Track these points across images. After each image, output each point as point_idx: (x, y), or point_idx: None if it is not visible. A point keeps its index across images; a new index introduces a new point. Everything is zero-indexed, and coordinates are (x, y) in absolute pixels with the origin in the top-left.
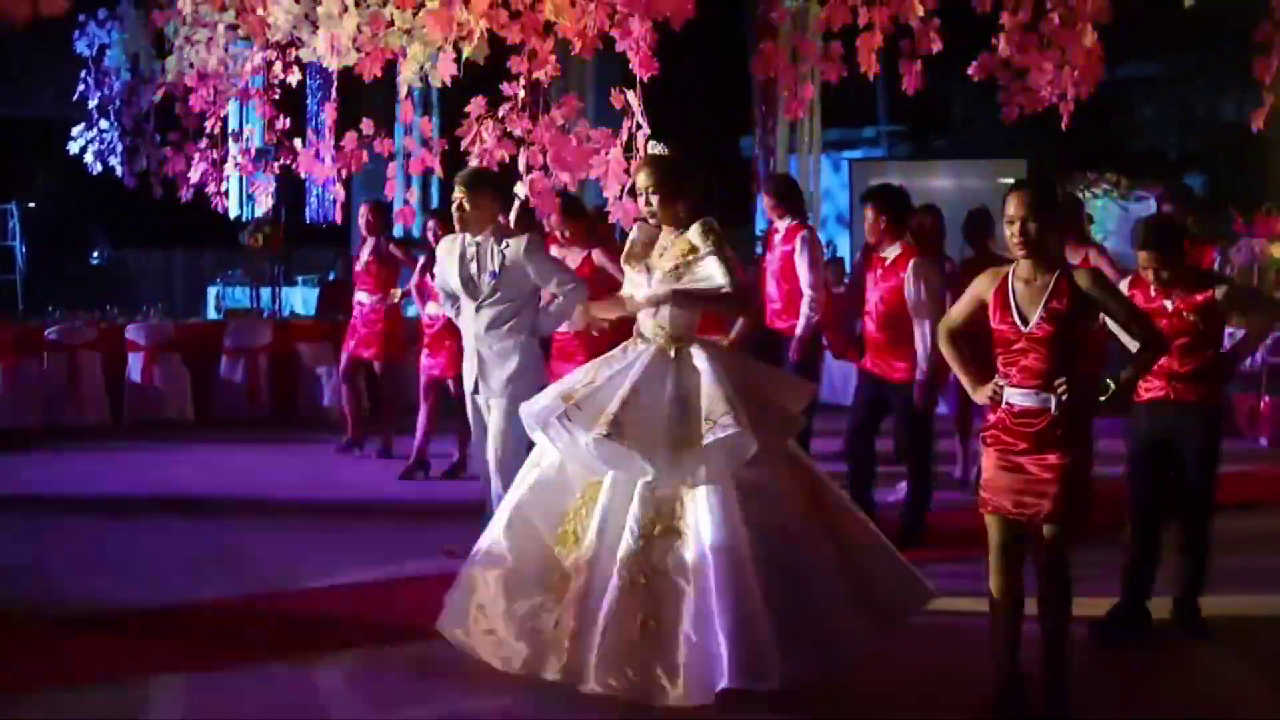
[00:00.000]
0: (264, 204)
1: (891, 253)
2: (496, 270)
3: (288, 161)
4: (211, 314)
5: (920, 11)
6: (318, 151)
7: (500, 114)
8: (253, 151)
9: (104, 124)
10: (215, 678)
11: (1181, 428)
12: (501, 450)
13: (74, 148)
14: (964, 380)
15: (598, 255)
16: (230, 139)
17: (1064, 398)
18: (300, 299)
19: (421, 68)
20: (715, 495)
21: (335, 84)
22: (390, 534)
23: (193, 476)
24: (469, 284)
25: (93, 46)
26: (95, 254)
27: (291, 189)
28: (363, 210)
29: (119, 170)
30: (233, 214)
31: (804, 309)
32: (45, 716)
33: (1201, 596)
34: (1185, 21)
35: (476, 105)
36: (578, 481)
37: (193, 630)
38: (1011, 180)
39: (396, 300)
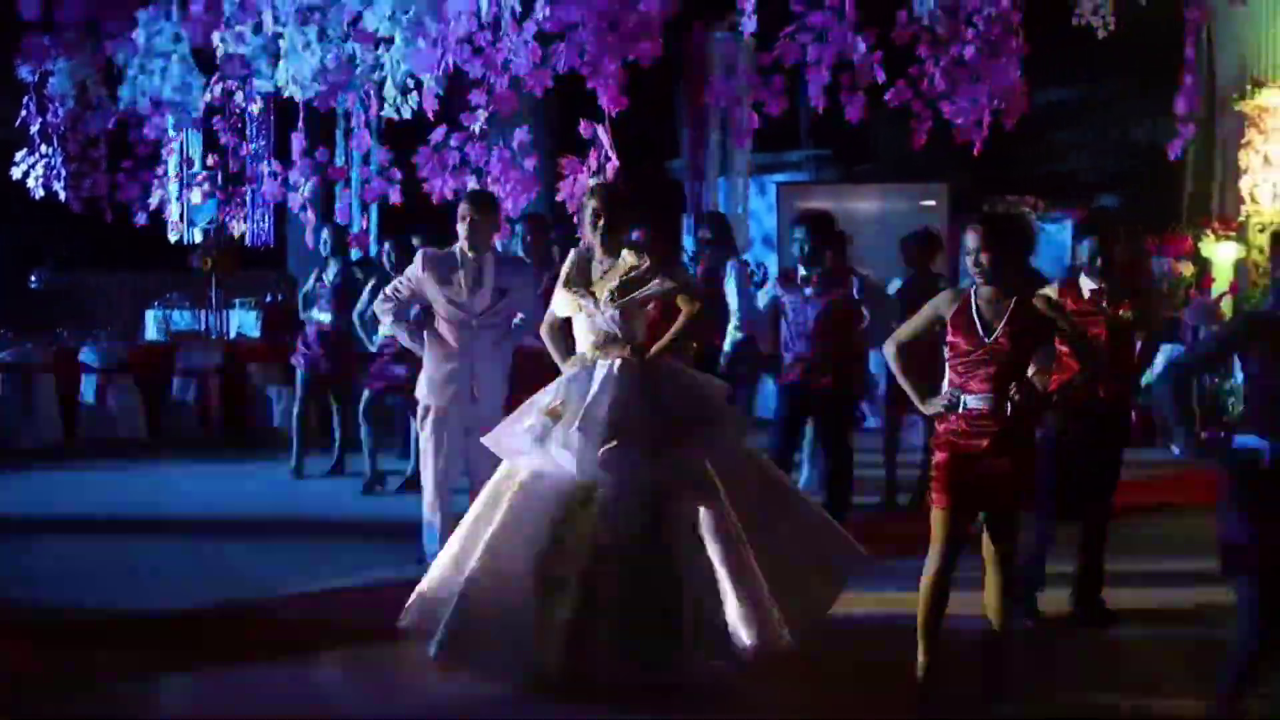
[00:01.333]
0: (236, 229)
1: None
2: (502, 289)
3: (253, 187)
4: (150, 335)
5: (862, 49)
6: (286, 178)
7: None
8: (215, 178)
9: (45, 149)
10: (216, 678)
11: (1093, 430)
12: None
13: (16, 173)
14: (911, 392)
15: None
16: (183, 165)
17: (1017, 400)
18: (237, 321)
19: (394, 100)
20: (690, 489)
21: (303, 114)
22: (358, 545)
23: (154, 494)
24: (466, 299)
25: (35, 73)
26: (34, 277)
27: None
28: (325, 234)
29: (63, 195)
30: (172, 238)
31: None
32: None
33: (1108, 590)
34: (1097, 49)
35: (437, 134)
36: (553, 492)
37: (184, 635)
38: (933, 203)
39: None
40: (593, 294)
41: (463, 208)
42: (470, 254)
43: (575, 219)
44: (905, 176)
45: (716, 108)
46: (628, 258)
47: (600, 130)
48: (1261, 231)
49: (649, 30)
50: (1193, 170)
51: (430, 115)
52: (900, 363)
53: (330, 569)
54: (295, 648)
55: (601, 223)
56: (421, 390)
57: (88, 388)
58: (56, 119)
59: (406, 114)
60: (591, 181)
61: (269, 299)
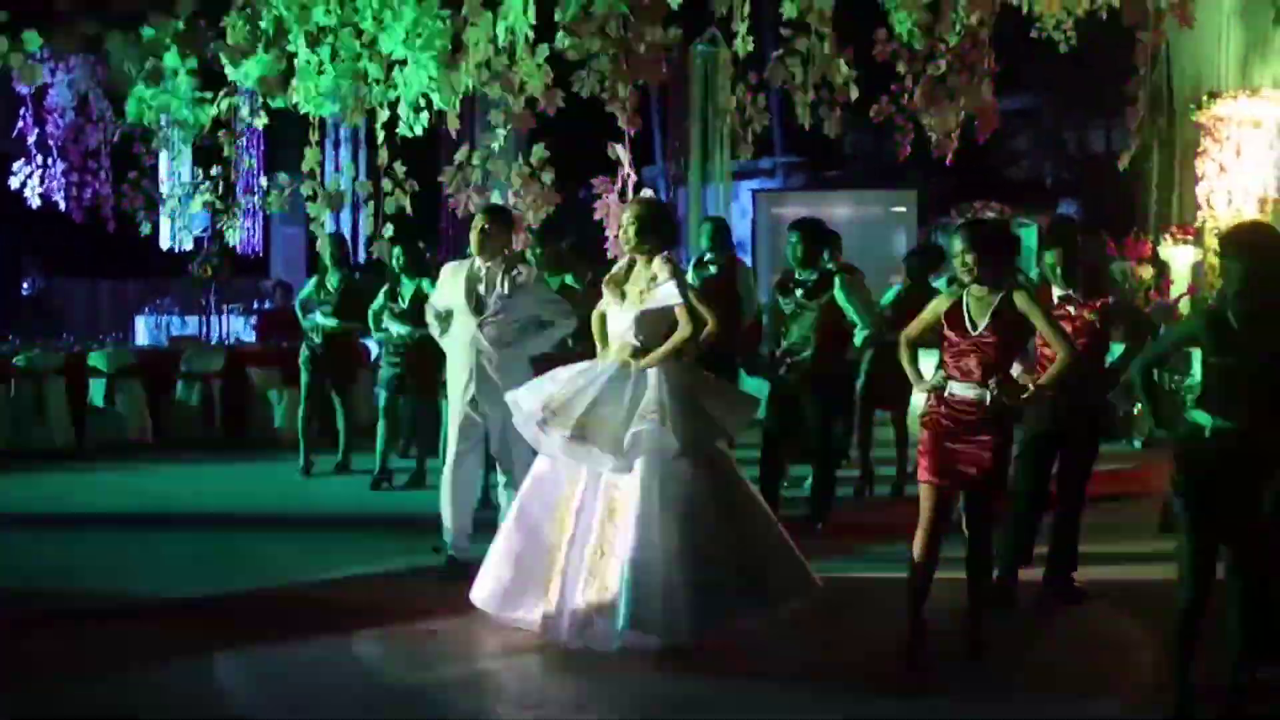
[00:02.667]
0: (231, 238)
1: (809, 276)
2: (506, 293)
3: (253, 198)
4: (141, 341)
5: (845, 71)
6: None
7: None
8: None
9: (39, 159)
10: (265, 656)
11: (1073, 423)
12: (511, 448)
13: (14, 182)
14: (911, 377)
15: None
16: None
17: (995, 392)
18: (227, 326)
19: (408, 118)
20: (639, 478)
21: (318, 129)
22: (373, 536)
23: (169, 491)
24: (476, 303)
25: (31, 85)
26: (26, 284)
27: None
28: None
29: (63, 205)
30: (164, 247)
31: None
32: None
33: (1081, 569)
34: (1056, 61)
35: (462, 152)
36: (565, 475)
37: (223, 617)
38: (903, 209)
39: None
40: (623, 295)
41: (477, 219)
42: (483, 263)
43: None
44: (873, 183)
45: (699, 118)
46: (654, 268)
47: (620, 149)
48: (1218, 236)
49: (657, 58)
50: (1154, 178)
51: (454, 135)
52: (908, 353)
53: (349, 557)
54: (331, 627)
55: (635, 235)
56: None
57: (96, 391)
58: (58, 130)
59: (419, 131)
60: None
61: (266, 304)
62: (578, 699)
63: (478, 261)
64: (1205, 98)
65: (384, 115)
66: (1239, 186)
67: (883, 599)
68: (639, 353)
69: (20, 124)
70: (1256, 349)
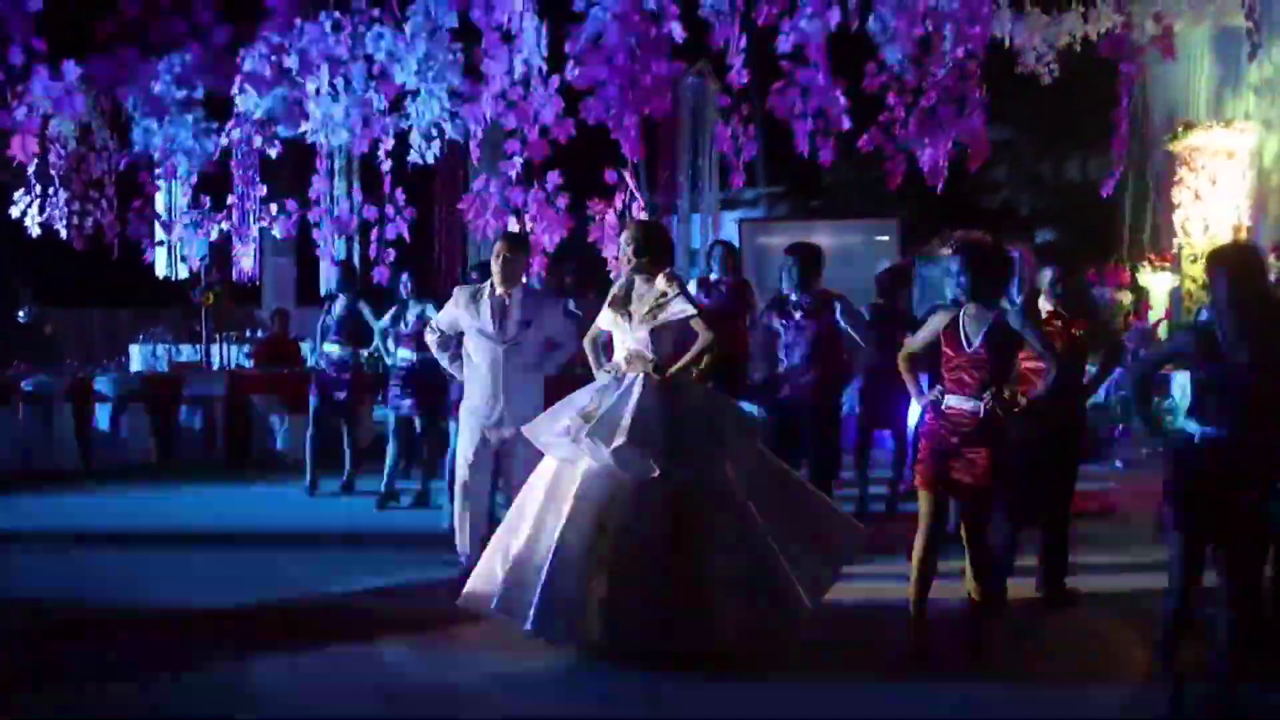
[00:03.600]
0: (234, 267)
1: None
2: (525, 318)
3: (259, 226)
4: (136, 367)
5: (842, 102)
6: (319, 220)
7: (493, 188)
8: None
9: (41, 188)
10: (289, 661)
11: (1051, 441)
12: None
13: (15, 211)
14: (912, 390)
15: None
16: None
17: (990, 405)
18: (227, 353)
19: (418, 147)
20: (707, 495)
21: (331, 159)
22: (383, 552)
23: (178, 511)
24: (500, 327)
25: (32, 114)
26: (21, 312)
27: (216, 252)
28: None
29: (64, 234)
30: (161, 274)
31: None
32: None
33: (1076, 578)
34: (1034, 92)
35: (478, 182)
36: (570, 485)
37: (246, 626)
38: (887, 238)
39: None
40: (630, 314)
41: (498, 246)
42: (501, 288)
43: (602, 252)
44: (853, 212)
45: (688, 149)
46: (660, 285)
47: (626, 174)
48: (1194, 262)
49: (661, 89)
50: (1130, 206)
51: (475, 160)
52: (908, 365)
53: (362, 572)
54: (352, 634)
55: (634, 255)
56: (462, 411)
57: (101, 415)
58: (60, 160)
59: (430, 159)
60: (629, 219)
61: (259, 333)
62: (596, 700)
63: (499, 288)
64: (1180, 129)
65: (388, 144)
66: (1214, 215)
67: (881, 614)
68: (658, 367)
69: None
70: (1242, 362)
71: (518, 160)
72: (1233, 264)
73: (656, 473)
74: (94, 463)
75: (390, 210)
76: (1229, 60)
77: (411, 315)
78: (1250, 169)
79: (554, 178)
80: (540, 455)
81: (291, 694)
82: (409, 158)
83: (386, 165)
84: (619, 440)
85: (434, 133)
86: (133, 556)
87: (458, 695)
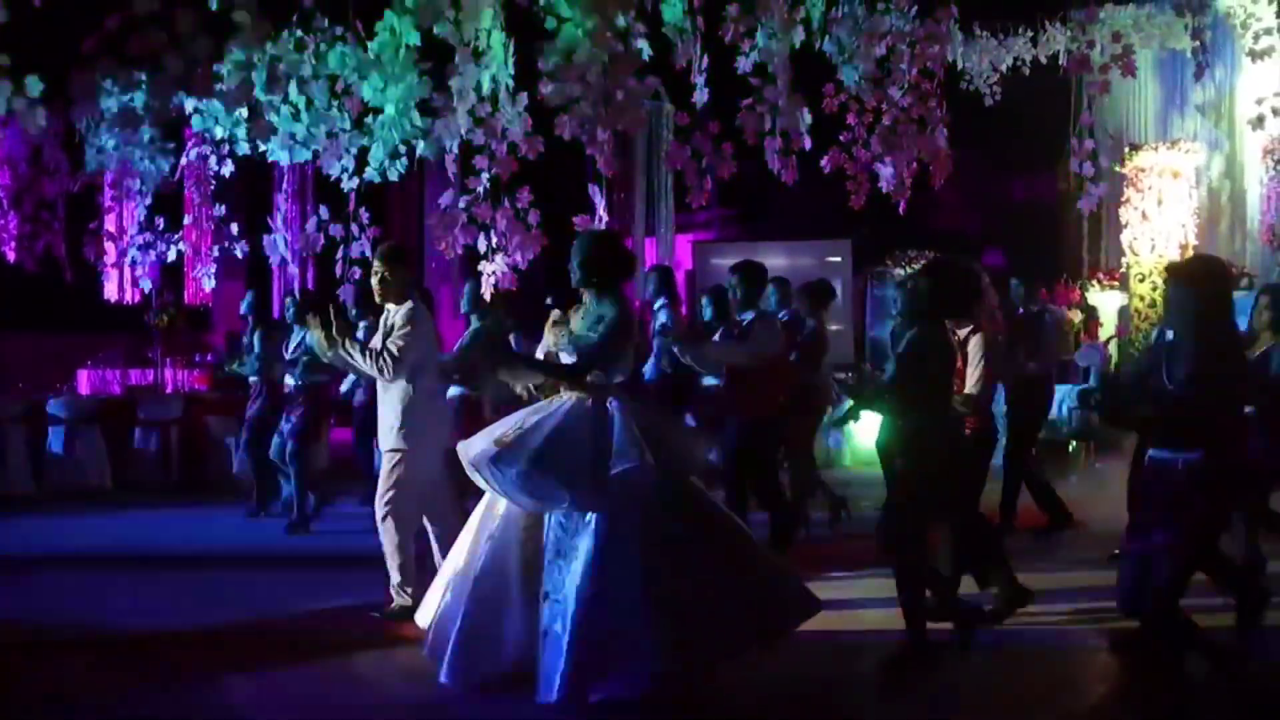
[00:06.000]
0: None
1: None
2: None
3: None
4: (83, 392)
5: (808, 120)
6: (286, 239)
7: (462, 204)
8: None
9: None
10: (270, 677)
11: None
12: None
13: None
14: None
15: None
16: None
17: None
18: (182, 377)
19: (381, 164)
20: (606, 522)
21: (296, 177)
22: (333, 575)
23: (131, 535)
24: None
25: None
26: None
27: (167, 274)
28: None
29: (11, 256)
30: (113, 297)
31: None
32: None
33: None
34: (978, 113)
35: (445, 198)
36: (498, 509)
37: (210, 648)
38: (839, 259)
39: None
40: (571, 332)
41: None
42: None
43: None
44: (801, 233)
45: (643, 171)
46: (589, 305)
47: (596, 191)
48: (1142, 281)
49: (635, 104)
50: (1084, 225)
51: (451, 177)
52: None
53: (329, 594)
54: (330, 650)
55: (572, 271)
56: None
57: (55, 438)
58: (10, 181)
59: (393, 177)
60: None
61: (209, 357)
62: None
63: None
64: (1127, 150)
65: (347, 163)
66: (1161, 233)
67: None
68: (596, 390)
69: None
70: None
71: (484, 176)
72: (1199, 274)
73: (565, 505)
74: (46, 486)
75: (355, 229)
76: (1173, 81)
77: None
78: (1196, 188)
79: (525, 195)
80: None
81: (257, 711)
82: (365, 175)
83: (351, 184)
84: (522, 464)
85: (401, 150)
86: (85, 580)
87: (433, 708)
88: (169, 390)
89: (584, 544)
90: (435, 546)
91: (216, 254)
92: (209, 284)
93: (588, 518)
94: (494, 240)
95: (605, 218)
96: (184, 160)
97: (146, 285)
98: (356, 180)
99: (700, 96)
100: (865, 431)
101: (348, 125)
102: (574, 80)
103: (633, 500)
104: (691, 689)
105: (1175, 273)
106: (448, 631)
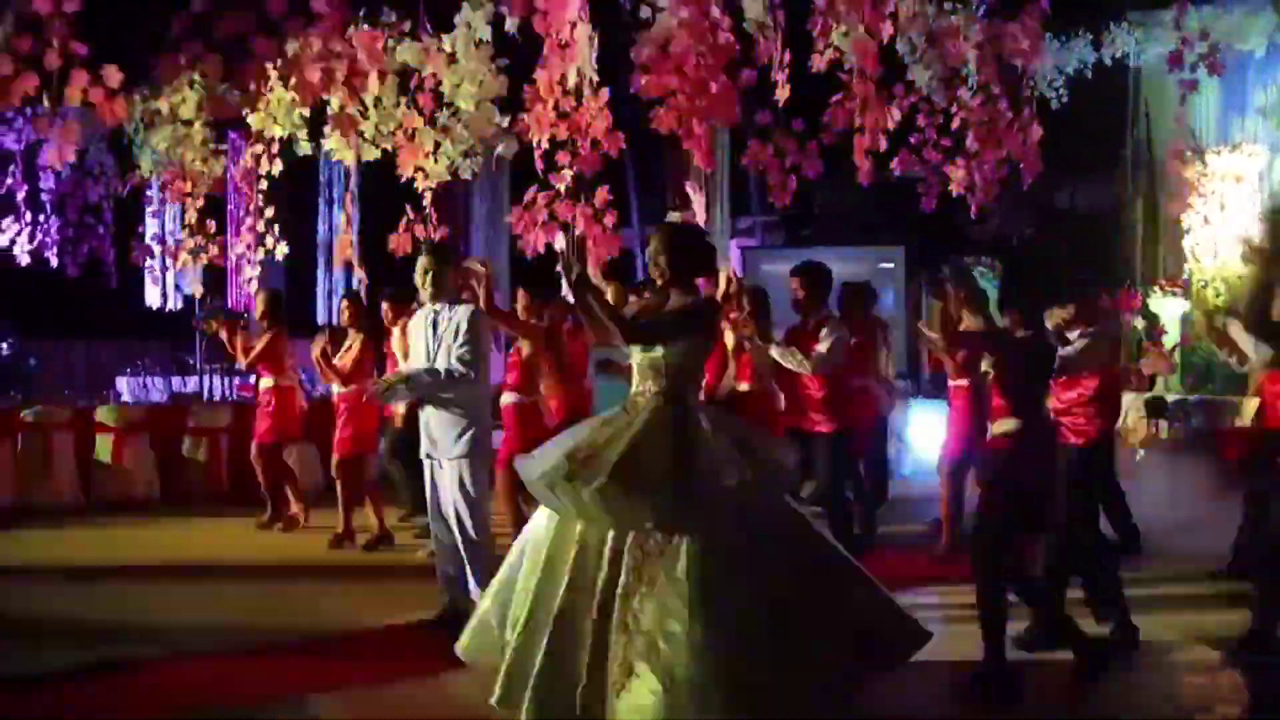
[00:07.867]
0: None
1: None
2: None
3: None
4: (124, 399)
5: (897, 117)
6: (350, 241)
7: (541, 202)
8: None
9: (29, 216)
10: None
11: None
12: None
13: (3, 240)
14: None
15: None
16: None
17: None
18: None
19: (452, 163)
20: (700, 545)
21: (355, 180)
22: (406, 586)
23: (182, 545)
24: (425, 348)
25: (22, 141)
26: (4, 345)
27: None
28: (344, 304)
29: (54, 262)
30: (155, 304)
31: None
32: None
33: None
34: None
35: (530, 193)
36: (571, 534)
37: (284, 663)
38: (891, 265)
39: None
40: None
41: (420, 259)
42: (432, 305)
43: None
44: (844, 239)
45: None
46: (674, 299)
47: (691, 187)
48: (1205, 287)
49: (729, 98)
50: (1141, 231)
51: (540, 172)
52: None
53: (384, 605)
54: (405, 667)
55: (660, 262)
56: None
57: (103, 447)
58: (55, 186)
59: (466, 175)
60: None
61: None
62: None
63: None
64: (1188, 154)
65: (423, 163)
66: (1224, 239)
67: None
68: (673, 399)
69: (9, 180)
70: None
71: (567, 174)
72: None
73: (650, 524)
74: (94, 496)
75: (420, 230)
76: (1234, 84)
77: None
78: (1258, 192)
79: (603, 193)
80: None
81: None
82: (435, 175)
83: (422, 184)
84: (600, 480)
85: (478, 149)
86: (139, 592)
87: None
88: (217, 398)
89: (674, 570)
90: (470, 570)
91: (261, 257)
92: (254, 288)
93: (674, 540)
94: (573, 238)
95: (701, 215)
96: (240, 161)
97: (194, 290)
98: (427, 181)
99: (782, 94)
100: (924, 441)
101: (419, 123)
102: (669, 72)
103: (729, 523)
104: None
105: None
106: (525, 673)
